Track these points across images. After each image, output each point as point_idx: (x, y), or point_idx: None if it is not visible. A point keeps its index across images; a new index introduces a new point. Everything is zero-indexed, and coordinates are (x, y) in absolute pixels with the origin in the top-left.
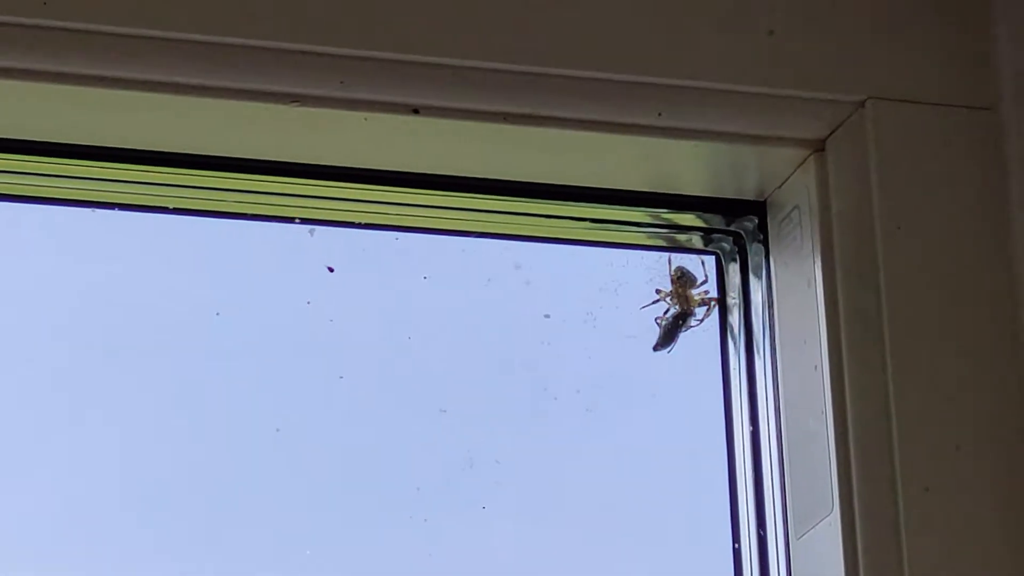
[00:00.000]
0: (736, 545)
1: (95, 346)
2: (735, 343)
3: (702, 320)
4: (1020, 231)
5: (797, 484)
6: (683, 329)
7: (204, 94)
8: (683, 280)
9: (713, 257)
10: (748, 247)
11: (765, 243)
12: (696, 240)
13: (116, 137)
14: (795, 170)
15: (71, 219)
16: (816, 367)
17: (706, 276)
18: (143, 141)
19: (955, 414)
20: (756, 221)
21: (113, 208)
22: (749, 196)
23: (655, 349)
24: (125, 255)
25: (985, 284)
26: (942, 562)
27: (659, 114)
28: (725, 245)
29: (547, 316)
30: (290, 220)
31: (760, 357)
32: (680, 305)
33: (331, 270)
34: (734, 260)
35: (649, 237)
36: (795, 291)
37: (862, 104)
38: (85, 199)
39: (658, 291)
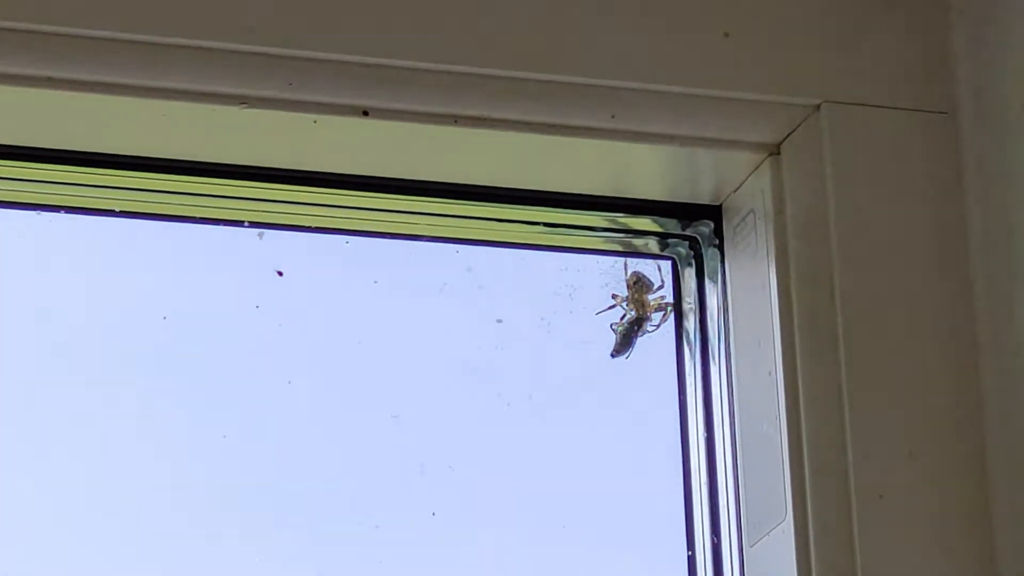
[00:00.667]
0: (690, 552)
1: (42, 350)
2: (691, 348)
3: (658, 326)
4: (975, 235)
5: (751, 491)
6: (639, 334)
7: (151, 95)
8: (639, 285)
9: (669, 262)
10: (704, 251)
11: (721, 247)
12: (652, 245)
13: (61, 139)
14: (750, 174)
15: (16, 222)
16: (770, 372)
17: (662, 281)
18: (88, 143)
19: (909, 420)
20: (712, 225)
21: (59, 211)
22: (705, 200)
23: (613, 355)
24: (72, 258)
25: (940, 289)
26: (895, 569)
27: (612, 116)
28: (681, 250)
29: (500, 321)
30: (239, 223)
31: (715, 363)
32: (636, 310)
33: (280, 274)
34: (690, 265)
35: (604, 241)
36: (750, 296)
37: (817, 108)
38: (31, 202)
39: (614, 296)
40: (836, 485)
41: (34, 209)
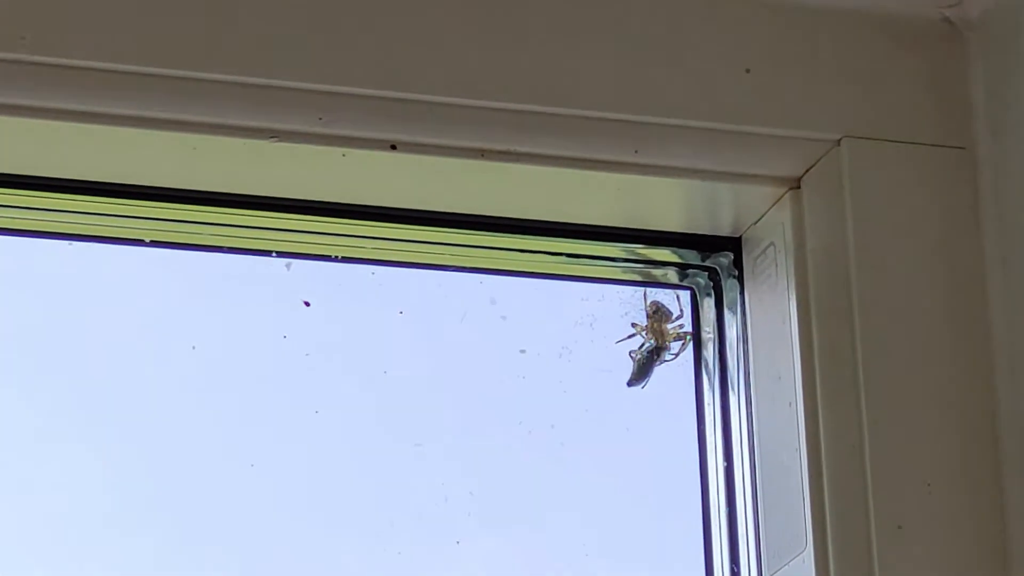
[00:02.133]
0: None
1: (73, 378)
2: (709, 378)
3: (677, 355)
4: (993, 270)
5: (771, 520)
6: (657, 363)
7: (184, 129)
8: (658, 315)
9: (688, 292)
10: (723, 283)
11: (740, 279)
12: (672, 275)
13: (97, 171)
14: (771, 207)
15: (49, 252)
16: (790, 404)
17: (681, 311)
18: (123, 175)
19: (928, 451)
20: (731, 257)
21: (92, 241)
22: (725, 232)
23: (629, 384)
24: (103, 287)
25: (959, 322)
26: None
27: (635, 151)
28: (700, 280)
29: (523, 351)
30: (267, 253)
31: (734, 393)
32: (655, 339)
33: (307, 304)
34: (709, 295)
35: (624, 272)
36: (770, 327)
37: (838, 143)
38: (63, 231)
39: (633, 325)
40: (856, 516)
41: (69, 239)
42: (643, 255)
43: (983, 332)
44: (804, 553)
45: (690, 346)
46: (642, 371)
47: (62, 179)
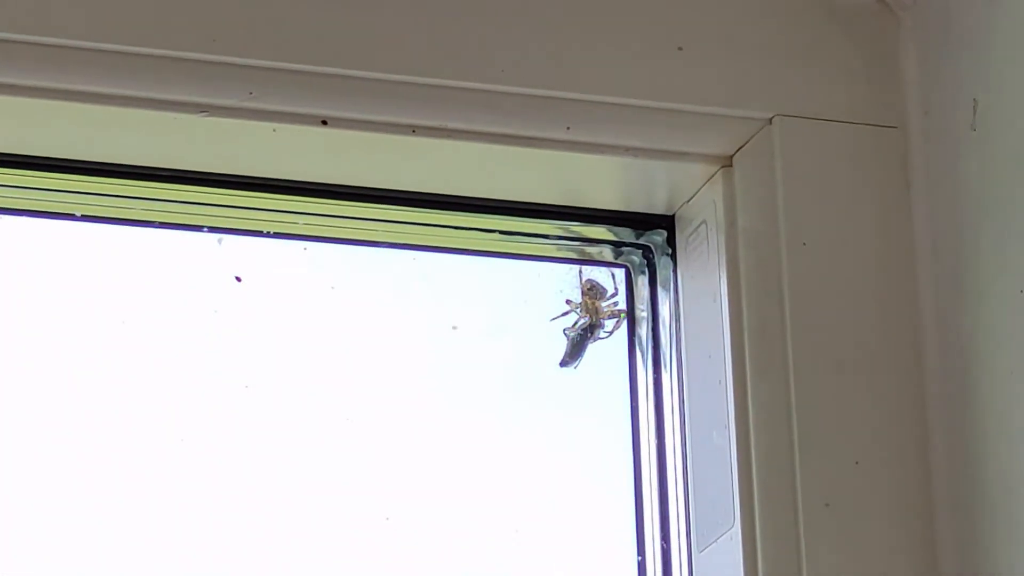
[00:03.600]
0: (640, 557)
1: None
2: (643, 356)
3: (611, 332)
4: (923, 248)
5: (701, 498)
6: (591, 340)
7: (112, 103)
8: (592, 292)
9: (623, 270)
10: (657, 260)
11: (673, 257)
12: (606, 253)
13: (24, 144)
14: (703, 185)
15: None
16: (720, 381)
17: (616, 289)
18: (51, 148)
19: (855, 429)
20: (665, 235)
21: (20, 214)
22: (658, 210)
23: (562, 364)
24: (32, 261)
25: (887, 300)
26: None
27: (567, 128)
28: (635, 258)
29: (455, 327)
30: (198, 228)
31: (667, 370)
32: (589, 317)
33: (239, 279)
34: (643, 273)
35: (559, 249)
36: (701, 305)
37: (770, 121)
38: None
39: (568, 302)
40: (783, 493)
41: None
42: (578, 233)
43: (912, 311)
44: (732, 530)
45: (624, 324)
46: (576, 349)
47: None
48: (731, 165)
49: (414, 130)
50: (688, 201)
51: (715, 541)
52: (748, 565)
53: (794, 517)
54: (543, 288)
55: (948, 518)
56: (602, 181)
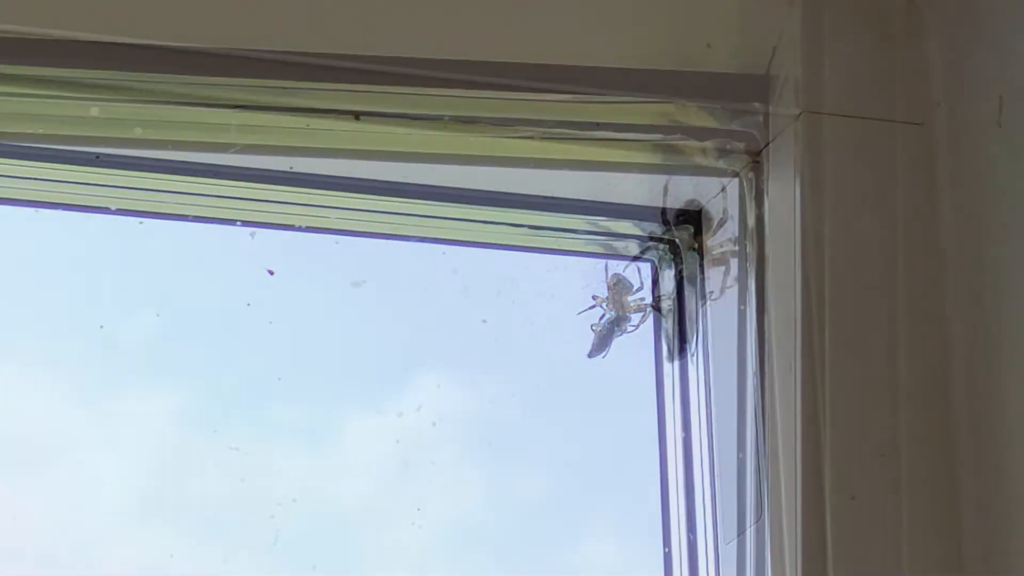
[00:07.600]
0: (667, 548)
1: (35, 342)
2: (669, 349)
3: (637, 326)
4: (949, 243)
5: (727, 490)
6: (617, 334)
7: (147, 98)
8: (619, 286)
9: (649, 264)
10: (683, 255)
11: (700, 252)
12: (632, 247)
13: (62, 139)
14: (730, 181)
15: (15, 218)
16: (746, 375)
17: (641, 283)
18: (88, 143)
19: (883, 423)
20: (691, 230)
21: (59, 208)
22: (685, 205)
23: (589, 355)
24: (67, 254)
25: (915, 295)
26: (867, 568)
27: (596, 124)
28: (661, 253)
29: (484, 321)
30: (231, 222)
31: (693, 364)
32: (615, 311)
33: (271, 273)
34: (669, 268)
35: (586, 244)
36: (729, 300)
37: (796, 117)
38: (32, 199)
39: (594, 297)
40: (811, 486)
41: (35, 206)
42: (605, 227)
43: (938, 306)
44: (759, 522)
45: (650, 318)
46: (602, 342)
47: (27, 146)
48: (758, 161)
49: (445, 125)
50: (715, 197)
51: (742, 533)
52: (775, 557)
53: (821, 510)
54: (570, 283)
55: (973, 510)
56: (629, 176)
